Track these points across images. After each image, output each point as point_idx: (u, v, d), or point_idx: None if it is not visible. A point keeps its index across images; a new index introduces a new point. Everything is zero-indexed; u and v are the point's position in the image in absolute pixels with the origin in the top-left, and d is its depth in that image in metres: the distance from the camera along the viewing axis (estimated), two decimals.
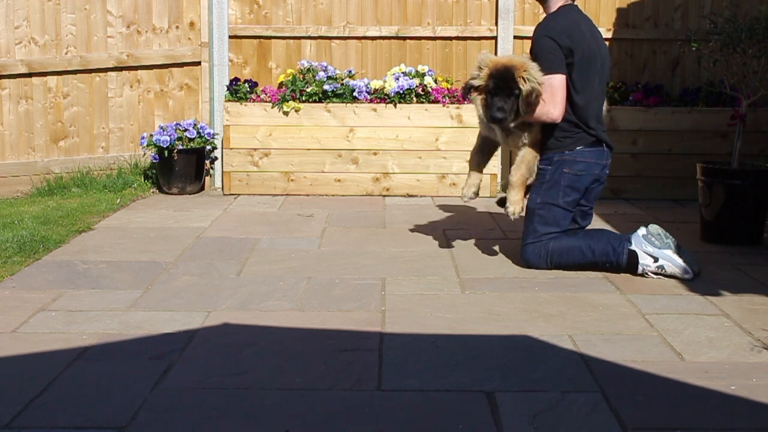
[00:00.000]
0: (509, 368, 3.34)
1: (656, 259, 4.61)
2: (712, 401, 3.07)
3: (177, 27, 7.59)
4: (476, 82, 4.61)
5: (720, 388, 3.16)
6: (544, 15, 4.88)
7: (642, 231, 4.70)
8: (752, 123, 6.76)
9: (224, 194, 7.30)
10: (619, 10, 7.64)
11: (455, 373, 3.28)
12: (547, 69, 4.60)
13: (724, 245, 5.40)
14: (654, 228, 4.71)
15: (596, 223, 5.44)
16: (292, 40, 7.67)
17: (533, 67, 4.57)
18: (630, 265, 4.65)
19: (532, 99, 4.53)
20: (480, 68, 4.62)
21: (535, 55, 4.70)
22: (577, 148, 4.74)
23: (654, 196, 7.13)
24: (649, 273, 4.64)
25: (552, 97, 4.61)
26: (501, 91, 4.52)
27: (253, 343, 3.61)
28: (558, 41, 4.63)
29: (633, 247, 4.66)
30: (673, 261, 4.61)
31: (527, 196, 4.88)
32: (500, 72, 4.53)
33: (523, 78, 4.50)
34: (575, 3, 4.90)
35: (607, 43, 7.57)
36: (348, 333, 3.76)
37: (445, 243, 5.43)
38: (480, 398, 3.06)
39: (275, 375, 3.27)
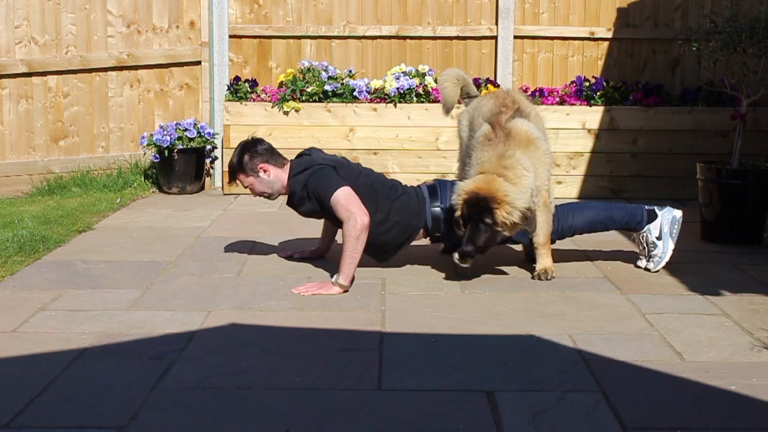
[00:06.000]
0: (509, 368, 3.34)
1: (660, 238, 4.72)
2: (712, 401, 3.07)
3: (177, 27, 7.59)
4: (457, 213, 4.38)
5: (720, 388, 3.16)
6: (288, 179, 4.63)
7: (679, 214, 4.76)
8: (752, 123, 6.76)
9: (224, 194, 7.29)
10: (619, 10, 7.63)
11: (455, 373, 3.28)
12: (331, 188, 4.43)
13: (724, 245, 5.40)
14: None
15: None
16: (292, 40, 7.67)
17: (514, 195, 4.27)
18: (648, 220, 4.75)
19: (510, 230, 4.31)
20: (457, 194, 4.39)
21: (319, 196, 4.47)
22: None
23: (654, 195, 7.11)
24: (641, 239, 4.77)
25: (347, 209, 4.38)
26: (473, 221, 4.29)
27: (253, 342, 3.61)
28: (328, 164, 4.53)
29: (658, 213, 4.76)
30: (666, 253, 4.72)
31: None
32: (472, 201, 4.28)
33: (499, 212, 4.24)
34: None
35: (606, 43, 7.62)
36: (348, 333, 3.76)
37: None
38: (480, 398, 3.06)
39: (275, 375, 3.27)
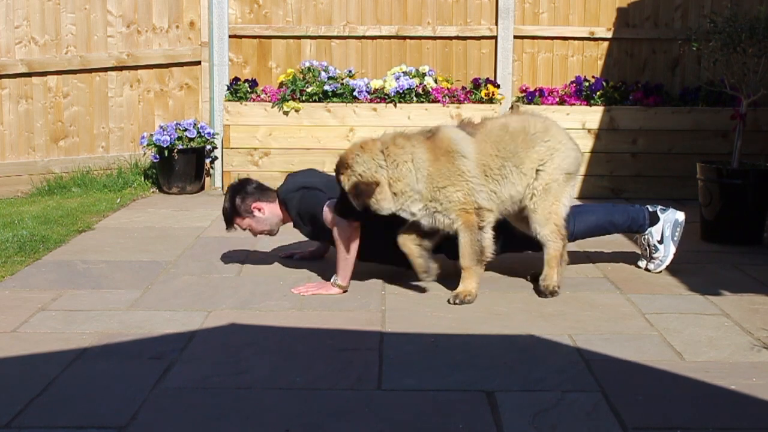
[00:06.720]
0: (509, 368, 3.34)
1: (661, 242, 4.70)
2: (712, 401, 3.07)
3: (177, 27, 7.59)
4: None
5: (720, 388, 3.16)
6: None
7: (681, 217, 4.72)
8: (752, 123, 6.76)
9: (224, 194, 7.28)
10: (619, 10, 7.63)
11: (455, 373, 3.28)
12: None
13: (724, 245, 5.40)
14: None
15: None
16: (292, 40, 7.67)
17: (359, 158, 4.11)
18: (650, 223, 4.72)
19: (359, 192, 4.07)
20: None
21: (311, 215, 4.47)
22: None
23: (654, 195, 7.11)
24: (642, 241, 4.76)
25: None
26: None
27: (253, 342, 3.61)
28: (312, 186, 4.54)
29: (660, 216, 4.72)
30: (667, 257, 4.72)
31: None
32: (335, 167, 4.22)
33: (343, 176, 4.14)
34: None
35: (606, 43, 7.62)
36: (348, 333, 3.77)
37: None
38: (480, 398, 3.06)
39: (275, 375, 3.27)
